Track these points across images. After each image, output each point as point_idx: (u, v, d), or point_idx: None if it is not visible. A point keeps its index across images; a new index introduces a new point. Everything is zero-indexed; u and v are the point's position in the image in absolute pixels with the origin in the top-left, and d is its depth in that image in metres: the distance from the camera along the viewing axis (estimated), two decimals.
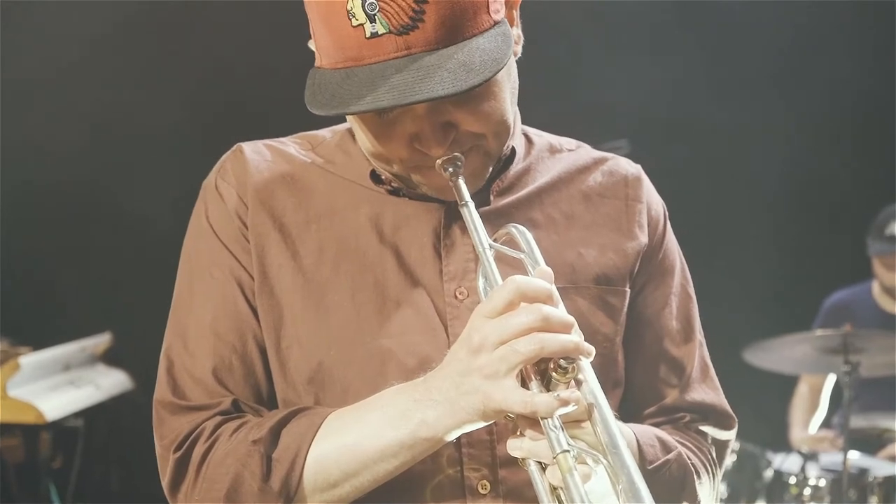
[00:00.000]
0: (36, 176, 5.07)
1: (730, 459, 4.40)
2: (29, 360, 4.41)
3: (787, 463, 4.48)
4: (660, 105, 5.31)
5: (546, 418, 1.27)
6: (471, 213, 1.44)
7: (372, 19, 1.36)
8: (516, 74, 1.54)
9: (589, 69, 5.23)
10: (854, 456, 4.38)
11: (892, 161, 5.41)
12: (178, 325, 1.57)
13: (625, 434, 1.48)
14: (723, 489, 4.38)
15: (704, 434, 1.65)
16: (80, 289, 5.22)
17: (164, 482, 1.52)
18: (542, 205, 1.61)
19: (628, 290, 1.61)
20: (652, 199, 1.69)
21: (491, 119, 1.47)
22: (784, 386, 5.12)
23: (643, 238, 1.63)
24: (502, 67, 1.39)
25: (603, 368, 1.54)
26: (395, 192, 1.56)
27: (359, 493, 1.45)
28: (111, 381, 4.99)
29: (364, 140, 1.51)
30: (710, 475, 1.63)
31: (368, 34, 1.36)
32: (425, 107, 1.41)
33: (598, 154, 1.70)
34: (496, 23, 1.42)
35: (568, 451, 1.25)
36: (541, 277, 1.37)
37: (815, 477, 4.37)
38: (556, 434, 1.26)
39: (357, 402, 1.46)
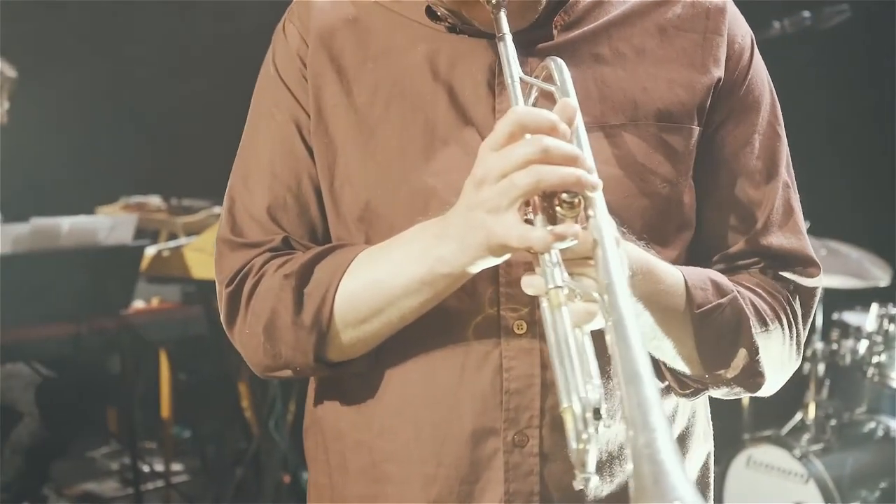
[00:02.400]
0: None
1: None
2: None
3: None
4: None
5: (543, 253, 1.24)
6: (506, 47, 1.38)
7: None
8: None
9: None
10: None
11: None
12: (241, 166, 1.62)
13: (670, 276, 1.45)
14: None
15: (785, 281, 1.56)
16: None
17: (222, 317, 1.58)
18: (611, 39, 1.53)
19: (696, 127, 1.52)
20: (736, 31, 1.57)
21: None
22: None
23: (717, 73, 1.53)
24: None
25: (662, 211, 1.50)
26: (452, 30, 1.53)
27: (390, 329, 1.46)
28: None
29: None
30: (787, 324, 1.55)
31: None
32: None
33: None
34: None
35: (561, 287, 1.22)
36: (560, 110, 1.31)
37: None
38: (550, 270, 1.23)
39: None
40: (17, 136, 4.68)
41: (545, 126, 1.29)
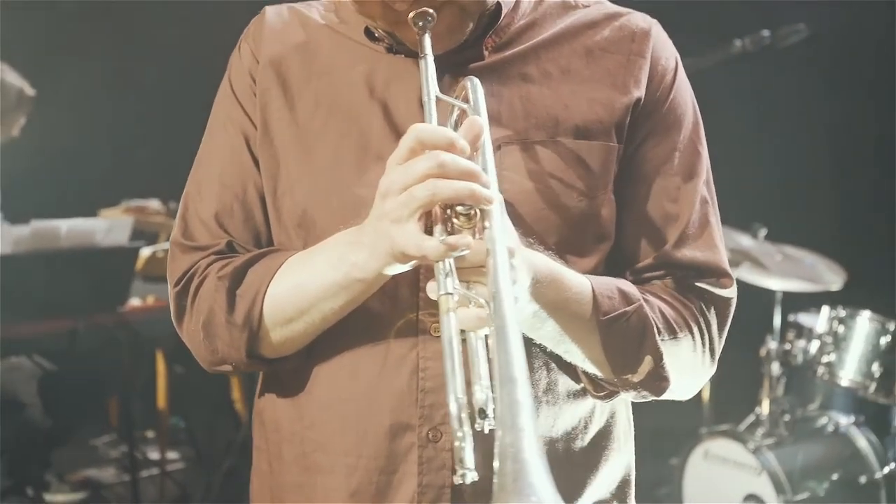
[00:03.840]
0: None
1: None
2: None
3: None
4: None
5: (437, 262, 1.32)
6: (426, 66, 1.46)
7: None
8: None
9: None
10: None
11: None
12: (196, 174, 1.71)
13: (578, 284, 1.53)
14: None
15: (699, 291, 1.63)
16: None
17: (172, 315, 1.67)
18: (539, 59, 1.61)
19: (615, 144, 1.60)
20: (661, 53, 1.64)
21: None
22: None
23: (636, 93, 1.61)
24: None
25: (578, 223, 1.58)
26: (390, 50, 1.60)
27: (315, 328, 1.56)
28: None
29: None
30: (698, 332, 1.62)
31: None
32: None
33: (613, 10, 1.68)
34: None
35: (451, 293, 1.29)
36: (467, 127, 1.39)
37: None
38: (443, 277, 1.30)
39: None
40: (22, 140, 4.78)
41: (442, 142, 1.36)
